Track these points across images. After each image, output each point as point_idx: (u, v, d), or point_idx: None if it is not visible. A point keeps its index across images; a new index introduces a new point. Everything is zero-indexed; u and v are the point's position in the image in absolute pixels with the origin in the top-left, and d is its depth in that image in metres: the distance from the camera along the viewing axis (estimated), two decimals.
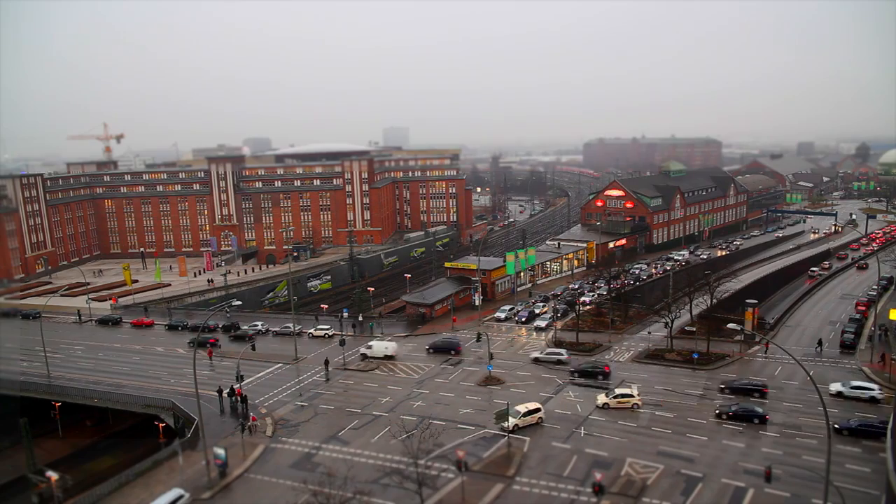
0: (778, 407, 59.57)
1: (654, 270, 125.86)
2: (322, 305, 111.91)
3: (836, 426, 52.96)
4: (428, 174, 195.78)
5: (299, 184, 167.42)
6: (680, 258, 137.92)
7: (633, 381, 67.45)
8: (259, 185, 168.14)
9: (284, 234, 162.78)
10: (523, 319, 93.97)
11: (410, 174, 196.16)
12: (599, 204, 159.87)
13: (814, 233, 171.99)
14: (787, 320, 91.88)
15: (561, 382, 68.44)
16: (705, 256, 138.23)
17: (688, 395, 63.75)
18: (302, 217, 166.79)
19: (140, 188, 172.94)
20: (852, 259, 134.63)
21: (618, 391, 61.27)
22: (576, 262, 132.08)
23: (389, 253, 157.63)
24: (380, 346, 79.90)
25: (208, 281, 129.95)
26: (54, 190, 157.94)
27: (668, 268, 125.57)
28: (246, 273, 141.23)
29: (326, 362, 76.11)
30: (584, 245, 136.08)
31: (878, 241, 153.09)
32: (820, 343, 77.16)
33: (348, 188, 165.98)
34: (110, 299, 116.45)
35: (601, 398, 61.20)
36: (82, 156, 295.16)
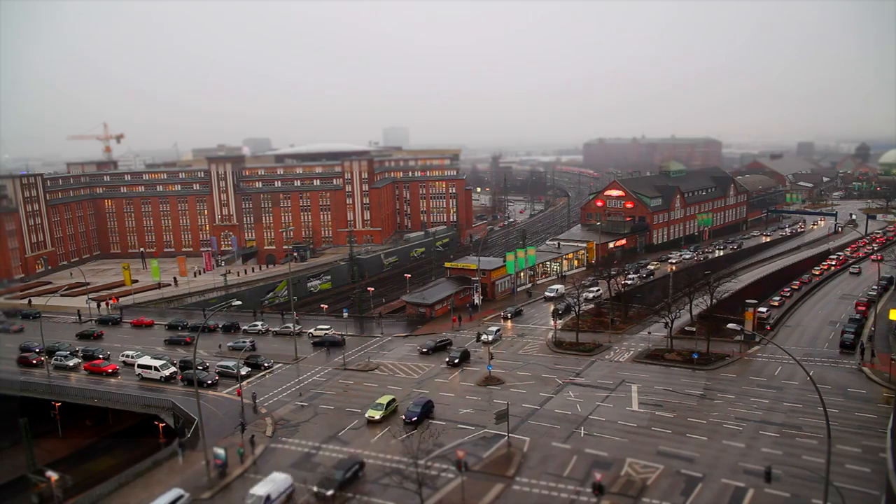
0: (778, 407, 59.60)
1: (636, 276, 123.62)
2: (322, 305, 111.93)
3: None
4: (428, 174, 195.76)
5: (299, 184, 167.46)
6: (673, 260, 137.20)
7: (632, 381, 67.55)
8: (259, 185, 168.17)
9: (284, 234, 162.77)
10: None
11: (410, 174, 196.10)
12: (599, 204, 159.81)
13: (814, 224, 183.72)
14: (787, 320, 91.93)
15: (561, 382, 68.48)
16: (687, 257, 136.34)
17: (688, 395, 63.76)
18: (302, 217, 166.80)
19: (140, 188, 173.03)
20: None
21: None
22: (576, 262, 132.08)
23: (389, 253, 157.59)
24: None
25: (173, 281, 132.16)
26: (54, 190, 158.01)
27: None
28: (246, 273, 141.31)
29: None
30: (584, 245, 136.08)
31: (878, 240, 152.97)
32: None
33: (348, 188, 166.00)
34: (110, 299, 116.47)
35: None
36: (82, 156, 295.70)
